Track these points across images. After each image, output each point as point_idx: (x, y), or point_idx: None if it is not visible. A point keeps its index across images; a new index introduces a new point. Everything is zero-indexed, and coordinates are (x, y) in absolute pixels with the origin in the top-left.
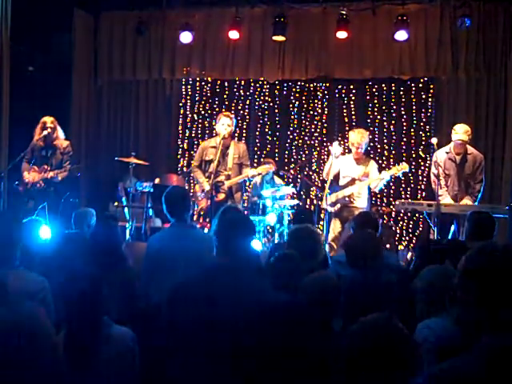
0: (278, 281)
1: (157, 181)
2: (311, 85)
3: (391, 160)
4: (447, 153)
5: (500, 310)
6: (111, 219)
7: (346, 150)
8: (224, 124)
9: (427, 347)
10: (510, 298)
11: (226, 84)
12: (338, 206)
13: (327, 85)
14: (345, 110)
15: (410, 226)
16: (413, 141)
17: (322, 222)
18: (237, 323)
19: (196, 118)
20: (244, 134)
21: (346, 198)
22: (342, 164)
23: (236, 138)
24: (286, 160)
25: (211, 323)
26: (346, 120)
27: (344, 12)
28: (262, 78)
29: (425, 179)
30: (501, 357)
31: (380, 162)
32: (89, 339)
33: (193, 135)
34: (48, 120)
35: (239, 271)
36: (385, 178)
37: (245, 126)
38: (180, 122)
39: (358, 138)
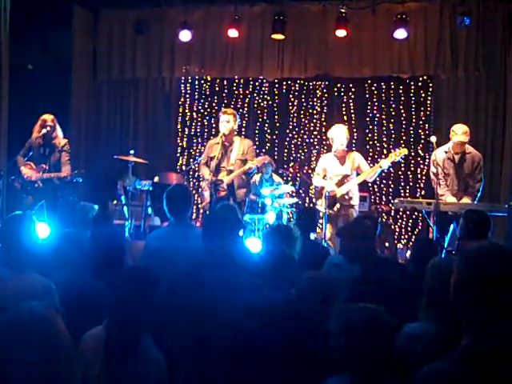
0: None
1: (156, 179)
2: (310, 83)
3: None
4: (446, 152)
5: (496, 312)
6: (104, 219)
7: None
8: (223, 121)
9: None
10: (505, 299)
11: (225, 82)
12: (338, 205)
13: (326, 83)
14: (344, 109)
15: (409, 224)
16: (412, 139)
17: (321, 221)
18: (225, 321)
19: (195, 117)
20: (243, 132)
21: (346, 196)
22: (326, 164)
23: (242, 136)
24: (285, 158)
25: (200, 320)
26: (346, 118)
27: (343, 10)
28: (262, 77)
29: (424, 177)
30: (486, 358)
31: (379, 160)
32: (126, 353)
33: (192, 133)
34: (48, 118)
35: (224, 268)
36: (383, 167)
37: (244, 125)
38: (179, 120)
39: (347, 133)
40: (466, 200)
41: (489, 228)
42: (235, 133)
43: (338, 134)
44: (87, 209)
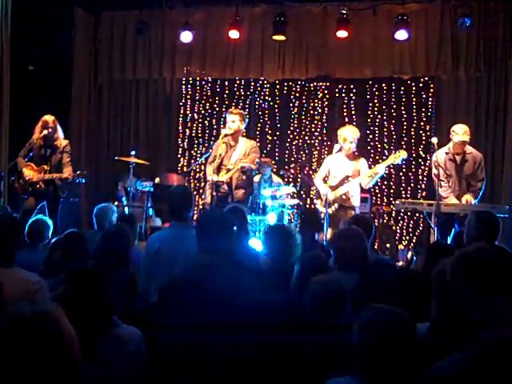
0: None
1: (157, 180)
2: (311, 84)
3: None
4: (447, 153)
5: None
6: (125, 222)
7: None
8: (228, 121)
9: None
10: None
11: (226, 83)
12: (336, 205)
13: (327, 84)
14: (345, 110)
15: (410, 225)
16: (413, 140)
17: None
18: (224, 323)
19: (196, 118)
20: (244, 133)
21: (343, 196)
22: (331, 164)
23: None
24: (286, 159)
25: (198, 323)
26: (347, 120)
27: (344, 11)
28: (262, 78)
29: (425, 179)
30: (497, 351)
31: (380, 161)
32: (96, 338)
33: (193, 135)
34: (50, 119)
35: (222, 270)
36: (379, 173)
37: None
38: (180, 121)
39: (355, 133)
40: (467, 197)
41: (499, 230)
42: (242, 133)
43: (352, 136)
44: (108, 209)
